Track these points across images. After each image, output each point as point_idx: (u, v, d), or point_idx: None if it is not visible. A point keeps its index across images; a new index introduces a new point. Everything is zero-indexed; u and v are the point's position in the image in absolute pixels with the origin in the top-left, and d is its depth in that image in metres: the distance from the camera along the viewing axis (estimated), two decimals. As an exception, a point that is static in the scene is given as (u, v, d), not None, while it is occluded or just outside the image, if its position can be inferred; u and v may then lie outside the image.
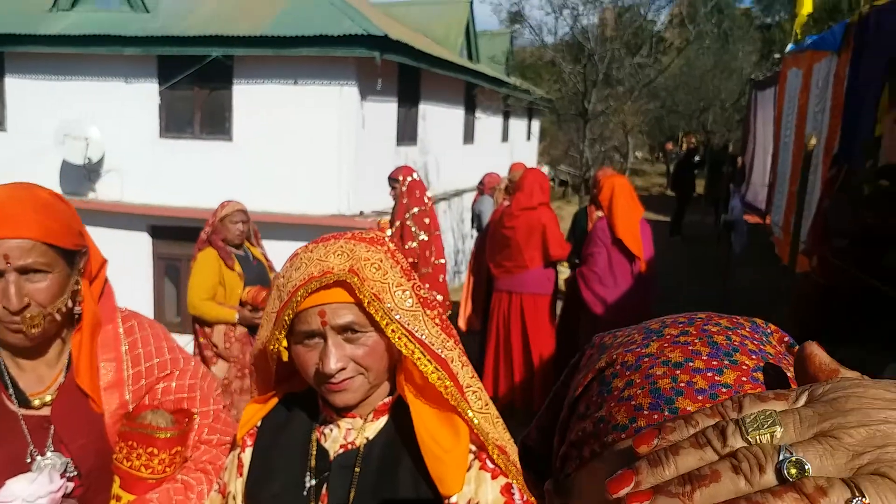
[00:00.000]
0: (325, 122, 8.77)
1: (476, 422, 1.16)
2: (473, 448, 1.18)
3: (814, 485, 0.31)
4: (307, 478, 1.20)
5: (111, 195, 9.58)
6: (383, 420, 1.23)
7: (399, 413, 1.21)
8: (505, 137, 15.92)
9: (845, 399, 0.35)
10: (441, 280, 4.98)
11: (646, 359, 0.46)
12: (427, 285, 4.74)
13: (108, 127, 9.33)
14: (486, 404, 1.20)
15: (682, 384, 0.43)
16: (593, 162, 10.74)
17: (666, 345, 0.46)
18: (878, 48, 6.90)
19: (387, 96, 9.53)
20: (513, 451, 1.18)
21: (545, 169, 19.54)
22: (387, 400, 1.24)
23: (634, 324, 0.50)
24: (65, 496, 1.33)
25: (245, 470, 1.27)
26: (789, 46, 11.58)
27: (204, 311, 3.89)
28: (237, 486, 1.27)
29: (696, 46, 15.91)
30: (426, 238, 4.72)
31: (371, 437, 1.21)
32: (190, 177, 9.17)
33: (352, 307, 1.12)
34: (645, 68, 10.88)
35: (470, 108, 13.06)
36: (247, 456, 1.28)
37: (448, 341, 1.18)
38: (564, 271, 5.54)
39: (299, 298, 1.11)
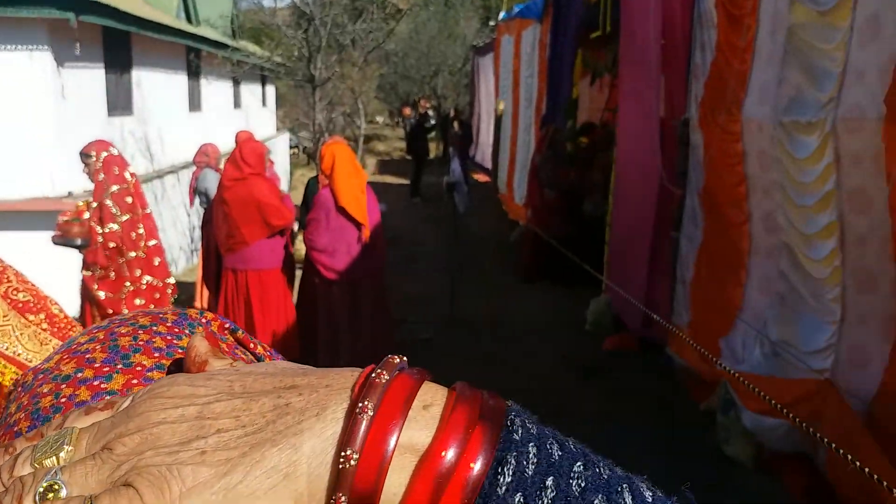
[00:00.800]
0: (13, 92, 7.60)
1: None
2: None
3: None
4: None
5: None
6: None
7: None
8: (237, 104, 15.19)
9: (142, 402, 0.33)
10: (157, 263, 4.57)
11: (41, 375, 0.41)
12: (141, 270, 4.30)
13: None
14: None
15: (64, 399, 0.39)
16: (326, 128, 10.65)
17: (66, 356, 0.42)
18: (570, 16, 7.66)
19: (91, 62, 8.51)
20: None
21: (286, 135, 19.09)
22: None
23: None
24: None
25: None
26: (501, 14, 12.46)
27: None
28: None
29: (418, 13, 16.37)
30: (130, 218, 4.29)
31: None
32: None
33: None
34: (370, 34, 10.95)
35: (193, 74, 12.21)
36: None
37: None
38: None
39: None
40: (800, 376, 3.54)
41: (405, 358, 0.35)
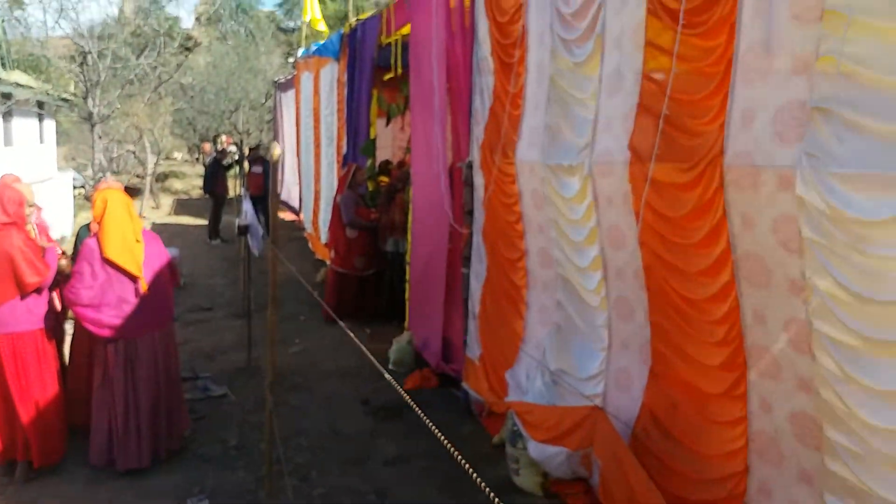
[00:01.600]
0: None
1: None
2: None
3: None
4: None
5: None
6: None
7: None
8: (8, 141, 13.66)
9: None
10: None
11: None
12: None
13: None
14: None
15: None
16: (110, 167, 9.86)
17: None
18: (365, 57, 7.75)
19: None
20: None
21: (71, 175, 17.44)
22: None
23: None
24: None
25: None
26: (300, 51, 12.38)
27: None
28: None
29: (214, 46, 15.79)
30: None
31: None
32: None
33: None
34: (157, 68, 10.36)
35: (-50, 108, 10.83)
36: None
37: None
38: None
39: None
40: (575, 403, 3.75)
41: None
